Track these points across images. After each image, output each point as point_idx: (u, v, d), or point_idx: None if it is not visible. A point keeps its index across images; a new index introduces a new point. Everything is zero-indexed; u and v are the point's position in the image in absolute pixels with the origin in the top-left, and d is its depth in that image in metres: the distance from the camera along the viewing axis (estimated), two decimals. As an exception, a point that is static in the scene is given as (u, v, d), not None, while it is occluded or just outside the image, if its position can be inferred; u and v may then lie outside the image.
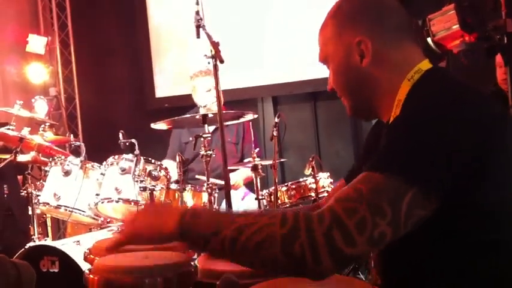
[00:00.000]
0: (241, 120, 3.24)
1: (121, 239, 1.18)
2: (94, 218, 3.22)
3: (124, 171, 3.00)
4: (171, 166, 3.27)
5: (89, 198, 3.09)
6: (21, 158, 3.29)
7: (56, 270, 2.84)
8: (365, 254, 1.00)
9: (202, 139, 2.81)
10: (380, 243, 1.00)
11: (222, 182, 2.82)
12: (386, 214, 0.98)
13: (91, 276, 1.32)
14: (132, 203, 2.96)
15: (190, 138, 2.92)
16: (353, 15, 1.23)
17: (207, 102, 3.63)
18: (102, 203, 3.03)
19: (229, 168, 2.86)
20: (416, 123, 1.06)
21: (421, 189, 1.00)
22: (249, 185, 3.69)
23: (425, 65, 1.20)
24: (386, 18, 1.22)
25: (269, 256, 1.00)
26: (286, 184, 3.40)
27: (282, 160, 3.76)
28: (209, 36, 2.59)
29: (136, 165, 2.99)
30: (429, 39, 1.87)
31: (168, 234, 1.10)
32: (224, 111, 2.70)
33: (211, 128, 2.98)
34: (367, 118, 1.33)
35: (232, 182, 3.64)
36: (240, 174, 3.70)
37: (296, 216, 1.01)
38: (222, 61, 2.56)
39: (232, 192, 3.53)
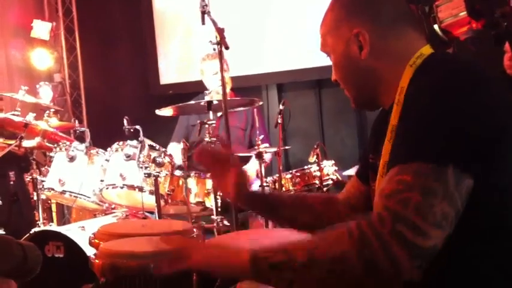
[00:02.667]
0: (248, 107, 3.23)
1: (188, 265, 1.13)
2: (99, 204, 3.24)
3: (129, 157, 3.00)
4: (177, 149, 3.27)
5: (93, 184, 3.11)
6: (26, 143, 3.30)
7: (61, 256, 2.86)
8: (439, 240, 0.98)
9: (206, 126, 2.81)
10: (446, 222, 0.99)
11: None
12: (437, 191, 0.98)
13: (96, 261, 1.33)
14: (137, 189, 2.97)
15: (198, 121, 2.92)
16: (350, 7, 1.24)
17: (214, 85, 3.63)
18: (107, 189, 3.05)
19: (236, 154, 2.85)
20: (430, 105, 1.05)
21: (456, 164, 1.00)
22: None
23: (427, 49, 1.20)
24: (383, 8, 1.22)
25: (347, 274, 0.99)
26: (290, 171, 3.40)
27: (287, 147, 3.75)
28: (214, 23, 2.58)
29: (140, 151, 3.00)
30: (436, 26, 1.85)
31: (240, 267, 1.07)
32: (230, 98, 2.70)
33: (219, 114, 2.97)
34: (371, 109, 1.33)
35: None
36: (252, 166, 3.71)
37: (359, 226, 1.01)
38: (227, 47, 2.55)
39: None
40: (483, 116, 1.05)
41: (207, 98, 2.93)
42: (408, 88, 1.14)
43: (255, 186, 3.62)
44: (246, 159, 3.74)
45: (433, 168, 1.00)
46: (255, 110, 3.72)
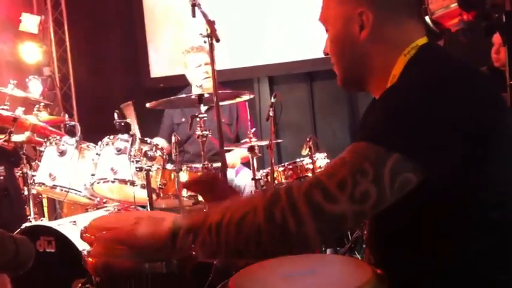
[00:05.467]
0: (237, 100, 3.22)
1: (112, 238, 1.18)
2: (90, 198, 3.22)
3: (120, 151, 2.99)
4: (162, 144, 3.27)
5: (84, 178, 3.09)
6: (16, 138, 3.27)
7: (53, 250, 2.85)
8: (350, 214, 0.98)
9: (198, 119, 2.80)
10: (364, 201, 0.98)
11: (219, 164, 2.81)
12: (368, 173, 0.98)
13: (90, 259, 1.31)
14: (128, 183, 2.95)
15: (183, 119, 2.90)
16: None
17: (197, 78, 3.62)
18: (98, 183, 3.03)
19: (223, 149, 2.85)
20: (406, 97, 1.05)
21: (402, 155, 0.99)
22: (245, 164, 3.70)
23: (423, 41, 1.19)
24: None
25: (253, 227, 0.99)
26: (283, 164, 3.39)
27: (279, 141, 3.75)
28: (205, 15, 2.56)
29: (132, 145, 2.98)
30: (427, 18, 1.85)
31: (163, 234, 1.08)
32: (220, 91, 2.68)
33: (204, 109, 2.96)
34: (356, 90, 1.32)
35: (228, 162, 3.64)
36: (235, 155, 3.70)
37: (277, 187, 1.02)
38: (218, 40, 2.54)
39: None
40: (469, 112, 1.04)
41: (198, 91, 2.91)
42: (399, 77, 1.14)
43: (243, 173, 3.63)
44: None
45: (377, 151, 0.99)
46: (239, 104, 3.71)
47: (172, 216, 1.13)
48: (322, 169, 1.05)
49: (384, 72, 1.19)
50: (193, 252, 1.39)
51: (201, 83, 3.37)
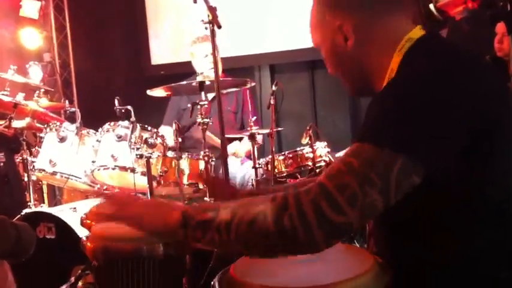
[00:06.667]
0: (238, 88, 3.21)
1: (115, 215, 1.17)
2: (90, 185, 3.21)
3: (120, 138, 2.97)
4: (168, 132, 3.25)
5: (85, 165, 3.08)
6: (16, 124, 3.25)
7: (53, 237, 2.85)
8: (356, 223, 0.99)
9: (199, 106, 2.78)
10: (370, 212, 1.00)
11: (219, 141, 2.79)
12: (376, 183, 0.98)
13: (88, 244, 1.32)
14: (129, 171, 2.95)
15: (189, 105, 2.88)
16: (332, 0, 1.23)
17: (205, 68, 3.60)
18: (98, 170, 3.02)
19: (227, 136, 2.84)
20: (405, 94, 1.05)
21: (409, 157, 0.99)
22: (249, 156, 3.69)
23: (416, 32, 1.18)
24: None
25: (261, 232, 1.00)
26: (283, 153, 3.39)
27: (279, 129, 3.74)
28: (206, 1, 2.53)
29: (132, 132, 2.97)
30: (431, 6, 1.83)
31: (172, 223, 1.08)
32: (222, 79, 2.67)
33: (210, 96, 2.94)
34: (370, 95, 1.32)
35: (233, 150, 3.64)
36: (244, 146, 3.69)
37: (286, 193, 1.02)
38: (219, 26, 2.51)
39: (231, 158, 3.53)
40: (471, 107, 1.03)
41: (199, 79, 2.89)
42: (396, 73, 1.14)
43: (246, 166, 3.63)
44: (239, 140, 3.73)
45: (383, 157, 0.99)
46: (246, 91, 3.69)
47: (179, 204, 1.13)
48: (329, 172, 1.02)
49: (383, 71, 1.18)
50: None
51: (208, 72, 3.35)
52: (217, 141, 3.09)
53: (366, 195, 0.98)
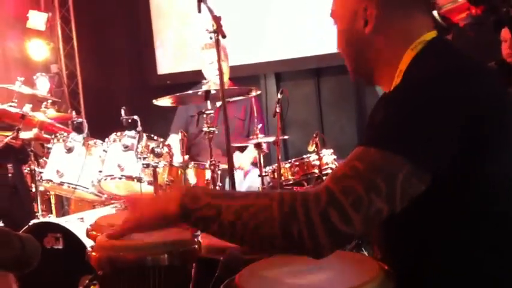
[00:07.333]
0: (243, 97, 3.21)
1: (126, 228, 1.22)
2: (97, 195, 3.22)
3: (127, 148, 2.99)
4: (177, 140, 3.25)
5: (92, 175, 3.09)
6: (24, 135, 3.28)
7: (60, 247, 2.85)
8: (361, 231, 1.00)
9: (204, 115, 2.79)
10: (376, 220, 1.00)
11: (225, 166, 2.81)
12: (382, 190, 0.98)
13: (93, 253, 1.32)
14: (135, 180, 2.96)
15: (195, 114, 2.90)
16: None
17: (211, 75, 3.61)
18: (105, 180, 3.03)
19: (235, 145, 2.84)
20: (413, 98, 1.05)
21: (415, 165, 0.99)
22: (255, 164, 3.69)
23: (431, 35, 1.18)
24: None
25: (268, 238, 1.01)
26: (289, 161, 3.38)
27: (285, 137, 3.74)
28: (211, 11, 2.55)
29: (138, 142, 2.98)
30: (435, 13, 1.83)
31: (171, 217, 1.11)
32: (227, 88, 2.67)
33: (218, 104, 2.94)
34: (367, 83, 1.32)
35: (237, 165, 3.64)
36: (247, 157, 3.69)
37: (293, 197, 1.01)
38: (224, 36, 2.53)
39: (235, 171, 3.53)
40: (473, 111, 1.04)
41: (204, 88, 2.91)
42: (405, 73, 1.14)
43: (252, 175, 3.62)
44: (244, 149, 3.73)
45: (390, 161, 0.99)
46: (253, 99, 3.70)
47: (173, 194, 1.13)
48: (334, 176, 1.02)
49: (391, 66, 1.18)
50: (196, 246, 1.39)
51: (215, 79, 3.36)
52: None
53: (371, 203, 0.98)
